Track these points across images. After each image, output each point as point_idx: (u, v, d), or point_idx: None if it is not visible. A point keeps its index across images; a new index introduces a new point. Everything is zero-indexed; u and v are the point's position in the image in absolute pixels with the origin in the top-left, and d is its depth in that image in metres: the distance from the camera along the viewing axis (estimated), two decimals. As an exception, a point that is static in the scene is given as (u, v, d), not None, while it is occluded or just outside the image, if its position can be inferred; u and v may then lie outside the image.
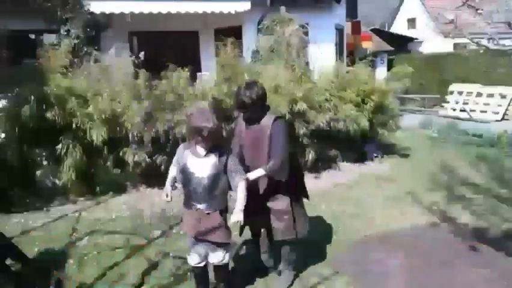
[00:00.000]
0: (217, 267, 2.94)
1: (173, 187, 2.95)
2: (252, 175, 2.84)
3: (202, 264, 2.91)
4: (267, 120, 2.88)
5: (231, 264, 3.09)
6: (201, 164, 2.67)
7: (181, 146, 2.85)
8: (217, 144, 2.70)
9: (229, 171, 2.69)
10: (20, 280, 3.14)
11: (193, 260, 2.89)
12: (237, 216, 2.65)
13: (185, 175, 2.72)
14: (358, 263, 3.66)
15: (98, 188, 5.48)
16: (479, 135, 8.77)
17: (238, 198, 2.68)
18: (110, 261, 3.66)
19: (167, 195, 2.89)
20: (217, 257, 2.85)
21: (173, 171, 2.92)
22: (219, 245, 2.81)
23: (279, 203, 2.99)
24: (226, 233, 2.77)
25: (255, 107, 2.85)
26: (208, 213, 2.71)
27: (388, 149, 7.60)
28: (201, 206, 2.70)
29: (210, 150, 2.67)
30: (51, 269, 3.36)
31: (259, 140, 2.89)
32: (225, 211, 2.81)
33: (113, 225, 4.56)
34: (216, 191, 2.69)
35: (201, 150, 2.68)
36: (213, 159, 2.67)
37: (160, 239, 4.17)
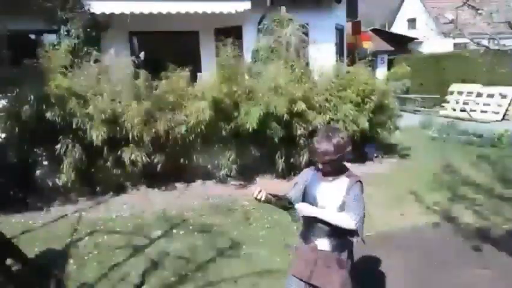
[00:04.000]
0: None
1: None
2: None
3: None
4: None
5: None
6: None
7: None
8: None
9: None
10: (20, 280, 3.13)
11: None
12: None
13: None
14: (359, 263, 3.65)
15: (98, 188, 5.49)
16: (480, 136, 8.76)
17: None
18: (111, 261, 3.66)
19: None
20: None
21: None
22: None
23: None
24: None
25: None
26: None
27: (388, 149, 7.60)
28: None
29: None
30: (51, 269, 3.36)
31: None
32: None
33: (114, 225, 4.57)
34: None
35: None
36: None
37: (161, 239, 4.17)
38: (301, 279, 2.20)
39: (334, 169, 2.17)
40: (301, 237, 2.30)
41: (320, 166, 2.19)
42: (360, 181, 2.19)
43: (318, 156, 2.13)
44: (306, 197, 2.25)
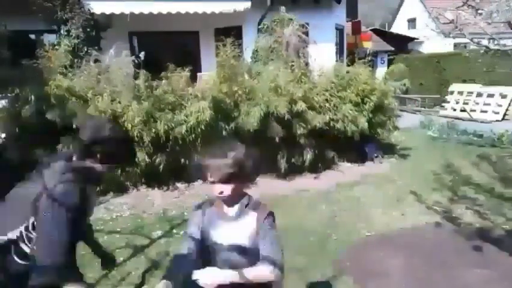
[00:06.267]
0: None
1: None
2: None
3: None
4: None
5: None
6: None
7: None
8: None
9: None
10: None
11: None
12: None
13: None
14: (359, 263, 3.66)
15: (98, 188, 5.48)
16: (480, 135, 8.77)
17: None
18: (111, 261, 3.65)
19: None
20: None
21: None
22: None
23: None
24: None
25: None
26: None
27: (388, 149, 7.60)
28: None
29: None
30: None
31: None
32: None
33: (114, 225, 4.56)
34: None
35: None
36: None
37: (161, 239, 4.17)
38: None
39: (236, 196, 1.65)
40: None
41: (216, 195, 1.61)
42: (272, 213, 1.68)
43: (213, 173, 1.58)
44: (204, 242, 1.68)
